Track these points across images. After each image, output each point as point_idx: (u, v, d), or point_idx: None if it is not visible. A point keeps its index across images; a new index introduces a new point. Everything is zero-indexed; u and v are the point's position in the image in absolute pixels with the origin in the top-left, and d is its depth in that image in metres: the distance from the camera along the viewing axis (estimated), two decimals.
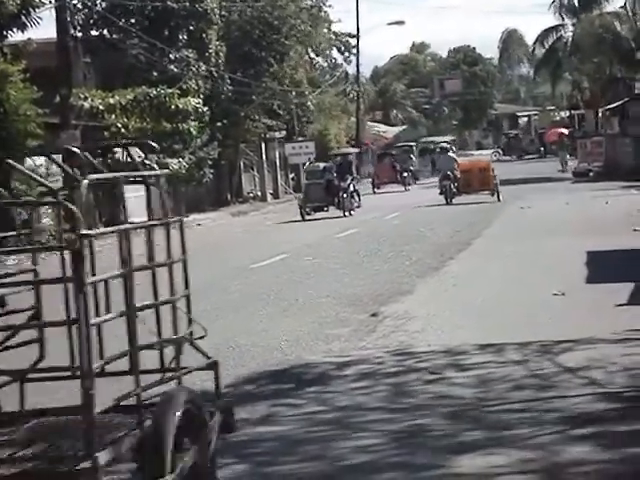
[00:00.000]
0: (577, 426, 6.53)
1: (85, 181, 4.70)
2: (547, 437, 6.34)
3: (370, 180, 49.51)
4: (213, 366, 5.39)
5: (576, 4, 59.38)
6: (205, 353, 5.34)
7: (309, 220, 31.66)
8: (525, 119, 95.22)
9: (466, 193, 33.11)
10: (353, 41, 64.39)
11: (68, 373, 4.95)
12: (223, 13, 44.39)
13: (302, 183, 38.79)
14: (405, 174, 49.52)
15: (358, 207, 33.42)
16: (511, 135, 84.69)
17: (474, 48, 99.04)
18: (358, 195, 34.05)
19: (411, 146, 59.88)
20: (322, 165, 35.73)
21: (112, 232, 5.06)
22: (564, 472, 5.79)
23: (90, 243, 5.15)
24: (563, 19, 60.00)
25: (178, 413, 4.53)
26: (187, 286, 5.48)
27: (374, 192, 46.19)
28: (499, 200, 31.93)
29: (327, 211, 32.91)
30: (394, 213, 30.34)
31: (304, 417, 7.33)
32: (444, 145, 42.44)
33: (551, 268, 14.76)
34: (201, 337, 5.41)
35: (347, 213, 32.03)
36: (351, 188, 33.14)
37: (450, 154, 36.42)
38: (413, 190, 46.55)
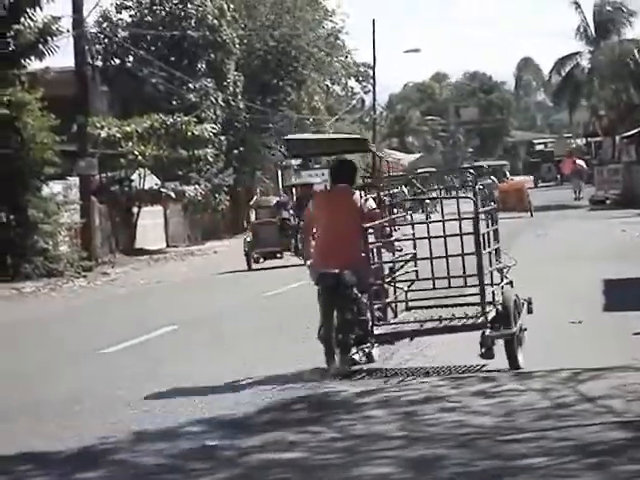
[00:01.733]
0: (589, 455, 6.46)
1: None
2: (557, 466, 6.28)
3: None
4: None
5: (593, 32, 59.47)
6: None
7: (258, 269, 25.55)
8: (541, 146, 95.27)
9: (503, 211, 34.55)
10: (370, 70, 64.63)
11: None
12: (242, 42, 44.60)
13: (250, 222, 31.57)
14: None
15: None
16: (529, 162, 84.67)
17: (490, 76, 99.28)
18: None
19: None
20: (275, 200, 28.78)
21: None
22: None
23: None
24: (587, 44, 60.03)
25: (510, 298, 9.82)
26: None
27: None
28: (531, 215, 36.92)
29: (281, 258, 26.55)
30: None
31: (323, 444, 7.28)
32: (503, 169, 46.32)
33: (567, 296, 14.68)
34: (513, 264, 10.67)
35: (302, 260, 26.03)
36: None
37: (493, 178, 40.80)
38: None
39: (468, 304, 10.19)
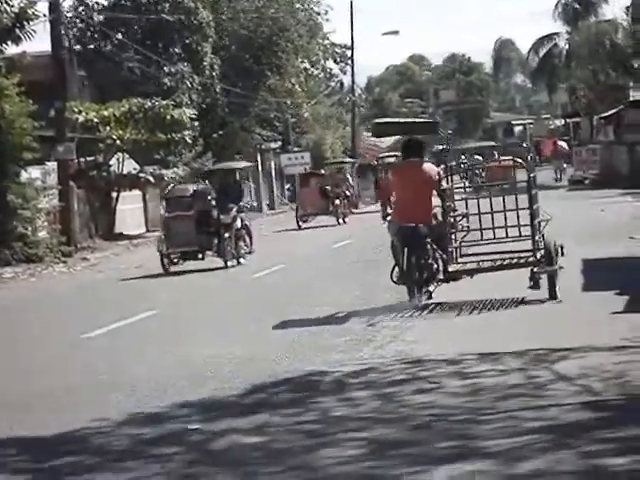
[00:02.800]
0: (559, 435, 6.53)
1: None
2: (522, 447, 6.34)
3: (299, 208, 36.42)
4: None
5: (571, 12, 59.56)
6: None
7: (177, 273, 21.20)
8: (520, 127, 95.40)
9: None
10: (349, 52, 64.52)
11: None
12: (221, 25, 44.45)
13: (161, 215, 25.43)
14: (337, 201, 35.99)
15: (249, 254, 22.14)
16: (508, 143, 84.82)
17: (469, 58, 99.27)
18: (249, 235, 22.39)
19: (346, 162, 45.12)
20: (192, 189, 23.18)
21: None
22: None
23: None
24: (565, 24, 60.07)
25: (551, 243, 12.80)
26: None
27: (299, 227, 34.68)
28: None
29: (202, 259, 22.08)
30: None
31: (294, 427, 7.36)
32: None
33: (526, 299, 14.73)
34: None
35: (231, 262, 21.44)
36: (237, 224, 21.85)
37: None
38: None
39: (515, 251, 13.53)
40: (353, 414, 7.61)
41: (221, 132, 45.80)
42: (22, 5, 26.13)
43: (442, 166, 13.92)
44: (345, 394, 8.31)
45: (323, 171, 41.40)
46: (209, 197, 22.38)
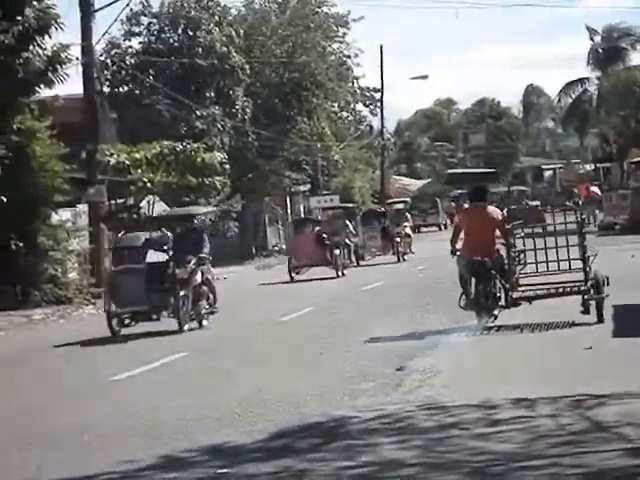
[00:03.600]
0: None
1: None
2: None
3: (292, 258, 32.01)
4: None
5: (602, 58, 59.59)
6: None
7: (128, 338, 17.79)
8: (550, 172, 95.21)
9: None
10: (378, 95, 64.75)
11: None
12: (252, 69, 44.70)
13: (105, 269, 22.07)
14: (337, 251, 31.37)
15: (211, 314, 19.00)
16: (539, 188, 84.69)
17: (499, 102, 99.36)
18: (212, 292, 19.14)
19: (347, 208, 40.87)
20: (143, 237, 19.75)
21: None
22: None
23: None
24: (595, 70, 60.07)
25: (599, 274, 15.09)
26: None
27: (291, 279, 30.63)
28: None
29: (158, 319, 18.72)
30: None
31: (332, 472, 7.29)
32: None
33: (576, 322, 14.65)
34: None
35: (188, 325, 18.31)
36: (197, 279, 18.75)
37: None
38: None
39: (568, 281, 15.43)
40: (380, 459, 7.54)
41: (250, 175, 45.96)
42: (55, 49, 26.35)
43: (505, 209, 16.60)
44: (372, 440, 8.23)
45: (320, 217, 38.00)
46: (165, 247, 18.85)
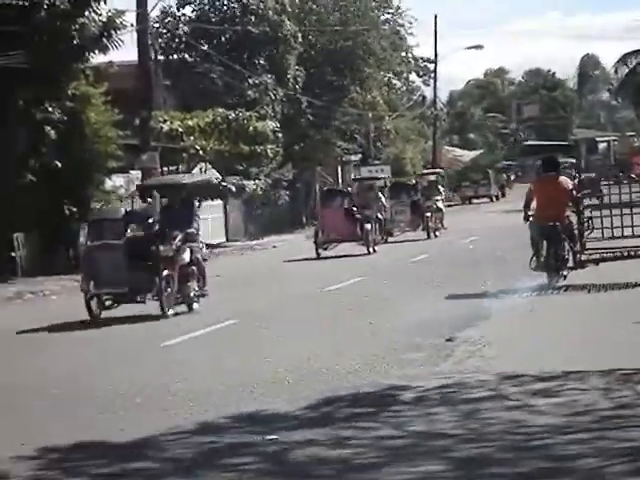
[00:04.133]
0: None
1: None
2: (610, 468, 6.22)
3: (319, 232, 29.23)
4: None
5: None
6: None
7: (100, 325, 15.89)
8: (604, 145, 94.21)
9: None
10: (431, 65, 64.41)
11: None
12: (305, 37, 44.59)
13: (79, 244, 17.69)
14: (368, 226, 29.02)
15: (201, 296, 16.95)
16: (593, 160, 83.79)
17: (554, 73, 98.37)
18: (201, 273, 17.07)
19: (379, 179, 36.16)
20: (124, 210, 18.06)
21: None
22: None
23: None
24: None
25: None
26: None
27: (318, 255, 28.29)
28: None
29: (143, 302, 16.52)
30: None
31: (373, 442, 7.31)
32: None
33: (632, 297, 14.56)
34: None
35: (173, 310, 16.24)
36: (184, 258, 16.71)
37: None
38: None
39: (632, 246, 16.86)
40: (430, 430, 7.55)
41: (302, 144, 45.94)
42: (110, 14, 26.46)
43: (575, 179, 17.92)
44: (417, 410, 8.24)
45: (351, 188, 34.80)
46: (149, 221, 16.74)
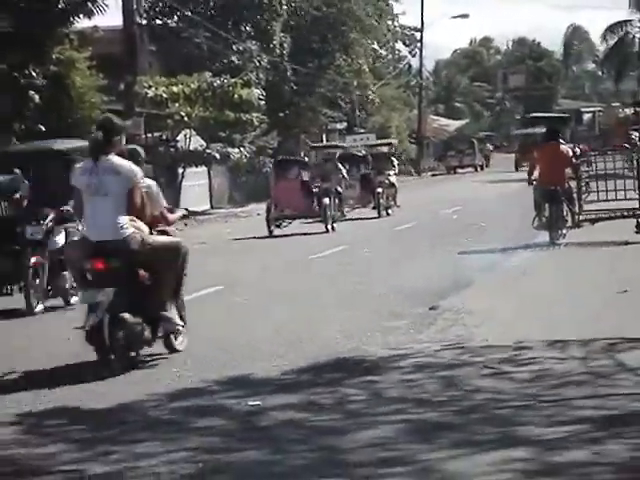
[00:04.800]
0: (616, 425, 6.46)
1: None
2: (568, 435, 6.29)
3: (271, 207, 26.01)
4: None
5: None
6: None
7: None
8: (589, 115, 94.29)
9: None
10: (418, 34, 64.31)
11: None
12: (290, 3, 44.45)
13: None
14: (327, 200, 25.76)
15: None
16: (579, 130, 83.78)
17: (539, 43, 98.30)
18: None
19: (338, 147, 34.51)
20: None
21: None
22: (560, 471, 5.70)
23: None
24: (638, 12, 59.33)
25: None
26: None
27: (270, 233, 25.39)
28: None
29: (10, 294, 13.83)
30: None
31: (341, 406, 7.41)
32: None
33: (615, 264, 14.64)
34: None
35: (41, 307, 13.39)
36: (58, 242, 13.70)
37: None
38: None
39: (625, 208, 18.78)
40: (404, 396, 7.63)
41: (287, 111, 45.87)
42: None
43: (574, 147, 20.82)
44: (400, 376, 8.32)
45: (307, 158, 32.58)
46: (18, 196, 13.82)
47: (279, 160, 30.46)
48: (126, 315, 8.95)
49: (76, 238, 11.38)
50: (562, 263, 15.56)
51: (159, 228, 9.76)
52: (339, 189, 27.10)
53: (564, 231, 18.12)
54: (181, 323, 9.61)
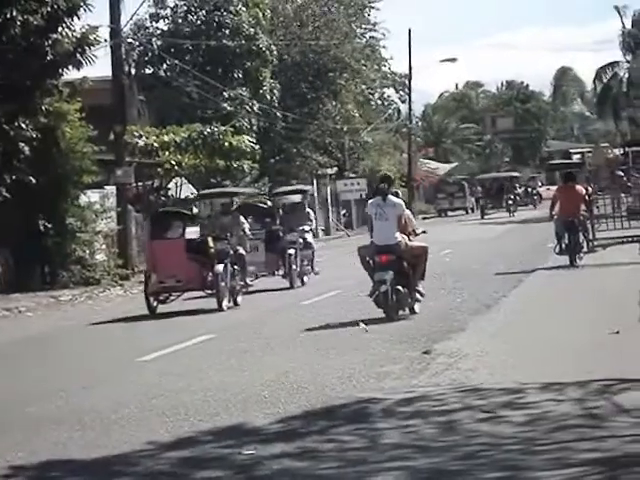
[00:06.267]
0: (614, 468, 6.42)
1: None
2: (567, 479, 6.25)
3: (150, 276, 19.86)
4: None
5: (632, 42, 59.23)
6: None
7: None
8: (578, 156, 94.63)
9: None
10: (407, 80, 64.65)
11: None
12: (278, 52, 44.71)
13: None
14: (220, 267, 19.28)
15: None
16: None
17: (527, 85, 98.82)
18: None
19: (239, 194, 25.76)
20: None
21: None
22: None
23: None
24: (625, 55, 59.83)
25: None
26: None
27: (151, 311, 19.37)
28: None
29: None
30: None
31: (338, 454, 7.33)
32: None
33: (605, 306, 14.62)
34: None
35: None
36: None
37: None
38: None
39: (633, 235, 23.81)
40: (402, 442, 7.57)
41: (278, 158, 46.00)
42: (84, 30, 26.41)
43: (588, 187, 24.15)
44: (397, 422, 8.25)
45: (196, 209, 26.06)
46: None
47: (157, 213, 23.67)
48: (399, 287, 14.99)
49: (365, 244, 16.30)
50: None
51: (412, 238, 15.60)
52: (241, 251, 20.12)
53: (581, 254, 21.94)
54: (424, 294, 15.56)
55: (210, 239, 19.68)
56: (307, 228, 24.12)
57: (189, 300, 20.35)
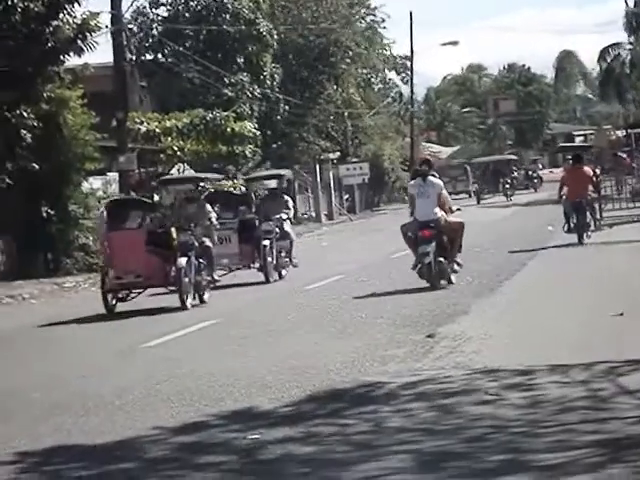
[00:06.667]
0: (615, 450, 6.42)
1: None
2: (571, 460, 6.25)
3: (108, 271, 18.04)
4: None
5: (635, 23, 58.96)
6: None
7: None
8: (581, 138, 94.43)
9: None
10: (409, 62, 64.48)
11: None
12: (279, 35, 44.60)
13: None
14: (183, 261, 17.37)
15: None
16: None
17: (529, 68, 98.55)
18: None
19: (203, 180, 21.42)
20: None
21: None
22: None
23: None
24: (629, 36, 59.55)
25: None
26: None
27: (108, 310, 17.82)
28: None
29: None
30: None
31: (343, 438, 7.34)
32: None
33: (609, 287, 14.62)
34: None
35: None
36: None
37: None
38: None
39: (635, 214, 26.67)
40: (406, 425, 7.57)
41: (280, 143, 45.94)
42: (85, 17, 26.35)
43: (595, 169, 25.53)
44: (401, 405, 8.26)
45: (157, 197, 23.56)
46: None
47: (114, 201, 20.86)
48: (441, 259, 16.44)
49: (407, 221, 17.46)
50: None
51: (449, 214, 17.10)
52: (207, 243, 18.16)
53: (589, 233, 23.06)
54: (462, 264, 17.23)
55: (173, 230, 17.64)
56: (284, 216, 22.12)
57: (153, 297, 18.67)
